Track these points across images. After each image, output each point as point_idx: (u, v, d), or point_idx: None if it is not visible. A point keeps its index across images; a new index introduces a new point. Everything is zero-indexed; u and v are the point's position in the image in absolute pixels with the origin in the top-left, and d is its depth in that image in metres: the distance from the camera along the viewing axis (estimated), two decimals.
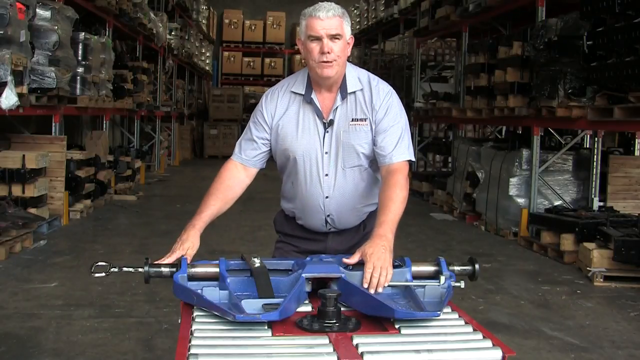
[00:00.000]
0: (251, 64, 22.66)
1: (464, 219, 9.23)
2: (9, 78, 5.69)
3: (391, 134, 2.43)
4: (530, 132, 7.75)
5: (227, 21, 22.74)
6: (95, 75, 8.80)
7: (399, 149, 2.43)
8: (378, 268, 2.02)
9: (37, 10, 6.80)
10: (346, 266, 2.10)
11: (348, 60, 2.48)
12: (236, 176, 2.53)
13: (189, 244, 2.26)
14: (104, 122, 10.33)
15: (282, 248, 2.70)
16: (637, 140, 9.60)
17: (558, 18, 7.02)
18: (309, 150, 2.46)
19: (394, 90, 2.53)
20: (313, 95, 2.46)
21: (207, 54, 21.92)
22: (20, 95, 5.97)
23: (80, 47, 8.37)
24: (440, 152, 13.39)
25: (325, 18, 2.33)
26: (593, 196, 7.55)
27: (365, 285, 2.00)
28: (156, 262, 2.15)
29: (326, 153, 2.47)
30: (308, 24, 2.37)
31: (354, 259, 2.11)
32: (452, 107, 10.45)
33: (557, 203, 7.63)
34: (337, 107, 2.45)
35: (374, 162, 2.51)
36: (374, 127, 2.45)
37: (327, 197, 2.50)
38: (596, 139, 7.63)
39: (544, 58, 7.04)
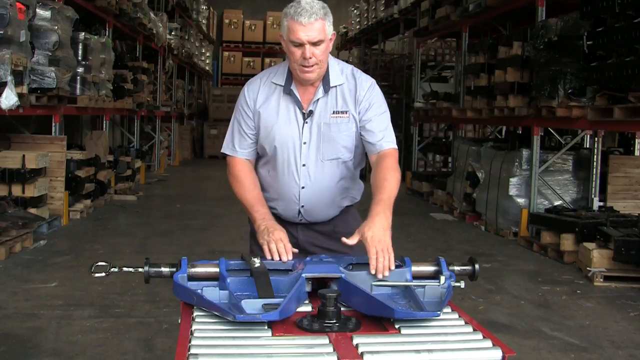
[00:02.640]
0: (251, 64, 22.67)
1: (464, 219, 9.23)
2: (9, 78, 5.69)
3: (378, 123, 2.48)
4: (530, 132, 7.75)
5: (227, 21, 22.75)
6: (95, 75, 8.79)
7: (387, 137, 2.49)
8: (380, 252, 2.07)
9: (37, 10, 6.80)
10: (346, 266, 2.11)
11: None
12: (250, 168, 2.59)
13: (280, 232, 2.31)
14: (104, 122, 10.33)
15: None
16: (637, 140, 9.60)
17: (558, 18, 7.01)
18: (287, 139, 2.48)
19: (375, 82, 2.56)
20: (293, 87, 2.47)
21: (207, 54, 21.92)
22: (20, 95, 5.97)
23: (80, 47, 8.36)
24: (440, 152, 13.38)
25: (307, 24, 2.29)
26: (593, 196, 7.54)
27: (373, 271, 2.06)
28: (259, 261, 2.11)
29: (304, 143, 2.48)
30: (290, 27, 2.32)
31: (353, 240, 2.17)
32: (452, 107, 10.45)
33: (557, 203, 7.62)
34: (318, 99, 2.46)
35: (356, 157, 2.56)
36: (357, 118, 2.47)
37: (303, 187, 2.52)
38: (596, 139, 7.63)
39: (544, 58, 7.04)
